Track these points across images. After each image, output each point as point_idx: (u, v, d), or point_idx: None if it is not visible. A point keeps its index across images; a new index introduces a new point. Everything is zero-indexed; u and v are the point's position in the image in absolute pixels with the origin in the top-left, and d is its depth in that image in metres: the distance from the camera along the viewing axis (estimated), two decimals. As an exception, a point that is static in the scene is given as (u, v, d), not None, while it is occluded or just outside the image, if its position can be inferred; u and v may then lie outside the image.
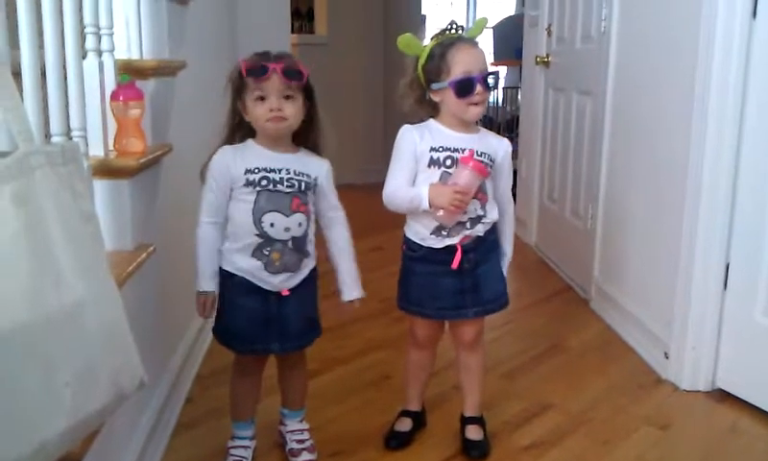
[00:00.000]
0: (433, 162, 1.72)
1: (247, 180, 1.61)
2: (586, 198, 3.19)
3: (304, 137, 1.70)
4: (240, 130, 1.67)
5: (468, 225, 1.74)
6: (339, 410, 2.12)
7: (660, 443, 1.98)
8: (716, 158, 2.13)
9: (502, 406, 2.15)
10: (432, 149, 1.72)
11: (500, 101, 5.56)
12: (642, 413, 2.13)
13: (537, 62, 3.83)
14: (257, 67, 1.58)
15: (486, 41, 5.58)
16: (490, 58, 5.42)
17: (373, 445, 1.93)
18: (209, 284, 1.66)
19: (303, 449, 1.83)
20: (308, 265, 1.71)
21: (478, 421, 1.94)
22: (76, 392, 0.97)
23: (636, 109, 2.69)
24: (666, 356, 2.35)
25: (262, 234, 1.62)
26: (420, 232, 1.77)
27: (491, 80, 1.70)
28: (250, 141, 1.66)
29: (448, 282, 1.77)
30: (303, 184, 1.65)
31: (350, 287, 1.76)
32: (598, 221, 3.02)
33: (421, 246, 1.77)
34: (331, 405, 2.14)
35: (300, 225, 1.64)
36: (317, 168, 1.70)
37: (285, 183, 1.62)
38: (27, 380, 0.91)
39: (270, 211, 1.61)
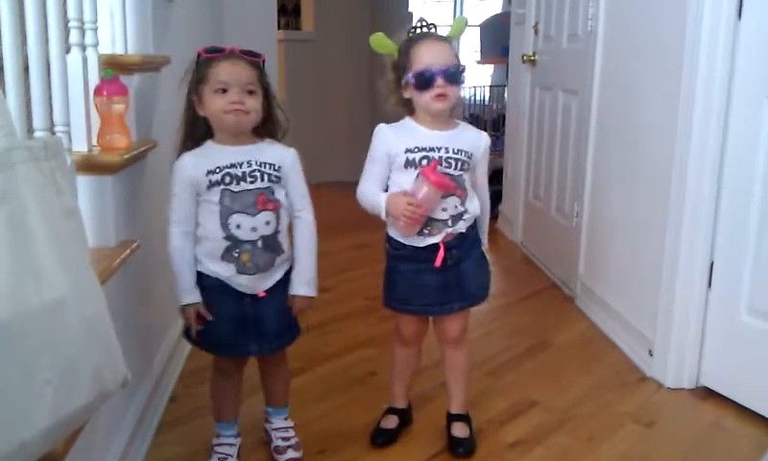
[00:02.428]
0: (409, 163, 1.71)
1: (209, 181, 1.58)
2: (571, 196, 3.20)
3: (263, 130, 1.66)
4: (197, 128, 1.63)
5: (449, 223, 1.74)
6: (325, 407, 2.11)
7: (645, 440, 1.99)
8: (701, 158, 2.14)
9: (487, 404, 2.15)
10: (408, 150, 1.71)
11: (486, 99, 5.56)
12: (627, 410, 2.14)
13: (523, 61, 3.84)
14: (214, 48, 1.59)
15: (472, 39, 5.58)
16: (476, 56, 5.42)
17: (359, 442, 1.93)
18: (193, 295, 1.62)
19: (289, 447, 1.82)
20: (283, 265, 1.68)
21: (464, 418, 1.94)
22: (58, 390, 0.96)
23: (622, 109, 2.70)
24: (651, 354, 2.36)
25: (229, 237, 1.59)
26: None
27: (465, 73, 1.69)
28: (208, 142, 1.63)
29: (432, 279, 1.77)
30: (266, 176, 1.61)
31: (301, 282, 1.70)
32: (583, 219, 3.03)
33: (405, 244, 1.77)
34: (317, 403, 2.13)
35: (267, 223, 1.61)
36: (280, 156, 1.65)
37: (248, 178, 1.59)
38: (7, 378, 0.90)
39: (235, 213, 1.58)
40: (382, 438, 1.92)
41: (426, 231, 1.73)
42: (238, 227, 1.58)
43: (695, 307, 2.22)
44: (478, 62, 5.40)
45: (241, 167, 1.59)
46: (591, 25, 2.95)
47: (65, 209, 1.03)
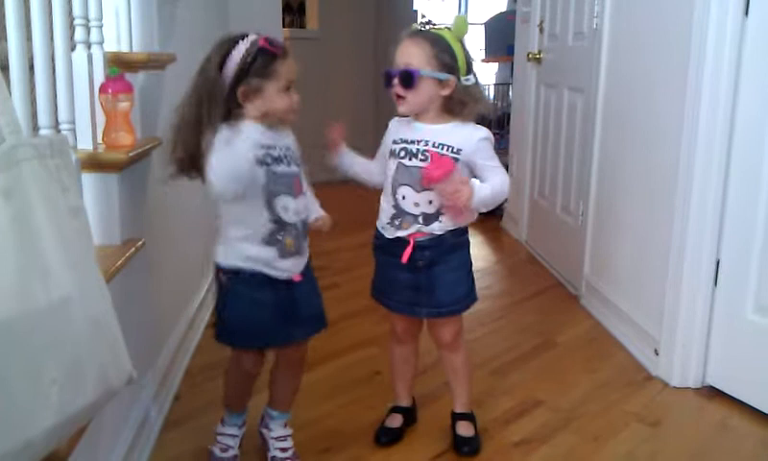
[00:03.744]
0: (392, 153, 1.74)
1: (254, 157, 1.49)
2: (576, 194, 3.19)
3: None
4: (223, 112, 1.52)
5: (420, 219, 1.72)
6: (329, 406, 2.11)
7: (650, 440, 1.98)
8: (707, 156, 2.13)
9: (492, 403, 2.15)
10: (394, 141, 1.75)
11: (492, 97, 5.54)
12: (632, 410, 2.13)
13: (528, 59, 3.83)
14: (276, 41, 1.55)
15: (477, 37, 5.57)
16: (481, 54, 5.40)
17: (364, 441, 1.92)
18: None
19: (287, 459, 1.78)
20: (307, 250, 1.67)
21: (468, 417, 1.94)
22: (63, 388, 0.95)
23: (628, 107, 2.69)
24: (656, 353, 2.35)
25: (276, 220, 1.56)
26: (381, 220, 1.79)
27: (419, 78, 1.64)
28: (247, 121, 1.50)
29: (402, 276, 1.77)
30: (293, 160, 1.60)
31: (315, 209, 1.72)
32: (589, 217, 3.02)
33: (382, 235, 1.78)
34: (321, 401, 2.13)
35: (306, 207, 1.63)
36: (292, 140, 1.65)
37: (284, 160, 1.57)
38: (13, 377, 0.90)
39: (281, 195, 1.55)
40: (386, 437, 1.92)
41: (397, 223, 1.74)
42: (285, 209, 1.56)
43: (701, 306, 2.22)
44: (483, 61, 5.38)
45: (276, 150, 1.56)
46: (597, 23, 2.94)
47: (71, 207, 1.03)
